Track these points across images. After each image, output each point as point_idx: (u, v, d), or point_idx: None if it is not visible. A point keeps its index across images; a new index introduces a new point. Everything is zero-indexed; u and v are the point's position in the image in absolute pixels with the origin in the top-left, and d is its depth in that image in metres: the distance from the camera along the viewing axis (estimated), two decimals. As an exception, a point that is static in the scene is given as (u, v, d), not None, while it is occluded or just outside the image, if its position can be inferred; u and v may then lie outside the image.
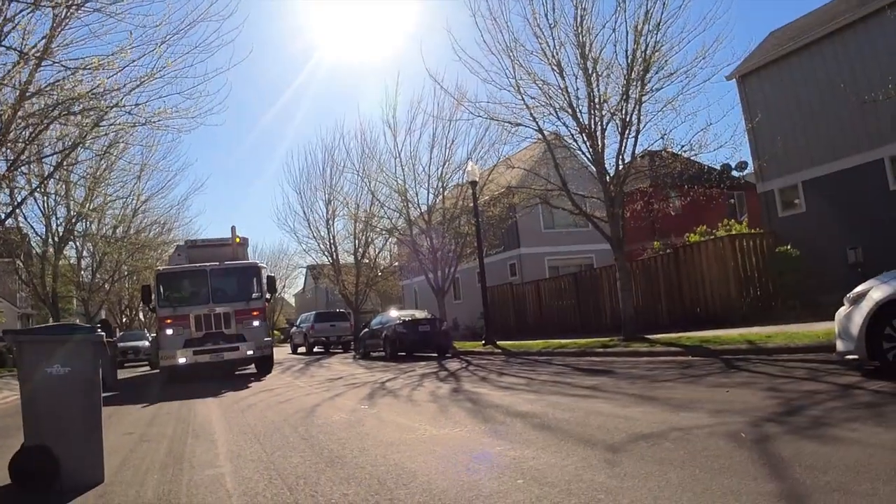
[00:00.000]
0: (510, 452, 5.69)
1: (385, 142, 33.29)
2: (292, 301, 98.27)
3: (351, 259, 38.56)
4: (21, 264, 28.37)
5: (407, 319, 23.09)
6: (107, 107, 14.11)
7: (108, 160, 21.94)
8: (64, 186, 24.09)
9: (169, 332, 17.20)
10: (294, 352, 39.29)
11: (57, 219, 27.52)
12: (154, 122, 15.06)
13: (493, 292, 25.99)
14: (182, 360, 16.98)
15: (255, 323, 17.96)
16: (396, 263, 38.16)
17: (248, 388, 14.30)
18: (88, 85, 13.56)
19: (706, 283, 20.21)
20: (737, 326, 17.68)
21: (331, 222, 37.72)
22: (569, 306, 26.34)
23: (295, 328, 40.00)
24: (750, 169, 24.89)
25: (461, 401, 9.42)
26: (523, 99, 17.44)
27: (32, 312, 45.27)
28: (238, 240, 20.26)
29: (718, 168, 21.53)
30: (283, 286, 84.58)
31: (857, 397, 6.98)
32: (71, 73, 13.47)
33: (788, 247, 19.14)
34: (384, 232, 33.05)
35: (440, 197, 27.62)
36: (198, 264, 18.22)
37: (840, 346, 8.26)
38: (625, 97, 16.19)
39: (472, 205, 26.14)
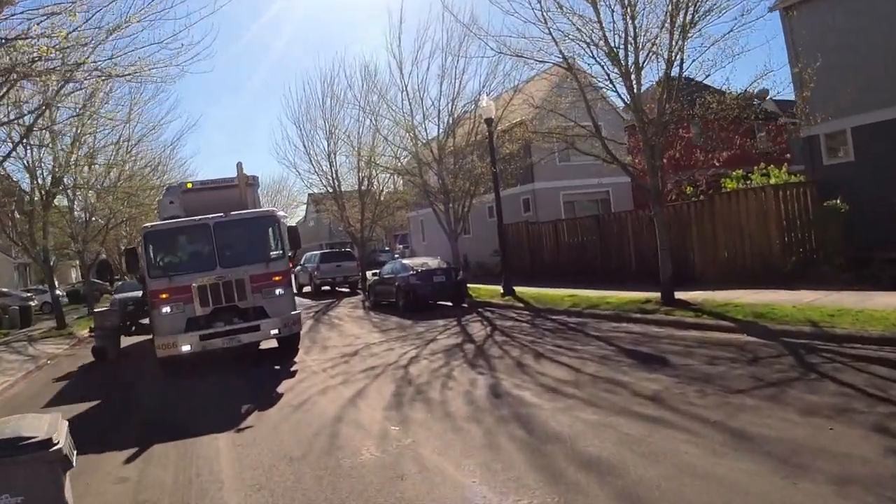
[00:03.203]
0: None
1: (390, 73, 31.04)
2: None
3: (355, 188, 36.87)
4: (10, 220, 26.71)
5: (421, 270, 21.72)
6: (74, 64, 12.24)
7: (89, 110, 19.60)
8: (49, 136, 22.13)
9: (165, 310, 13.42)
10: (299, 291, 38.18)
11: (43, 173, 25.71)
12: (127, 75, 13.16)
13: (507, 231, 24.50)
14: (186, 348, 13.26)
15: (279, 291, 14.09)
16: (400, 201, 36.32)
17: (276, 396, 10.81)
18: (45, 42, 11.58)
19: (744, 236, 18.70)
20: (780, 287, 16.40)
21: (332, 156, 35.84)
22: (591, 249, 24.87)
23: (300, 267, 38.78)
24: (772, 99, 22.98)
25: (509, 422, 8.06)
26: (551, 33, 15.54)
27: (28, 261, 43.85)
28: (247, 180, 16.31)
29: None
30: (286, 216, 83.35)
31: None
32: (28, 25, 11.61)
33: (837, 201, 17.50)
34: (390, 170, 31.28)
35: (451, 133, 25.75)
36: (197, 217, 14.09)
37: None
38: (668, 30, 14.31)
39: (482, 139, 24.57)
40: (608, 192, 34.47)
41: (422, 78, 25.64)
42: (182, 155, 54.61)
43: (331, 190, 36.52)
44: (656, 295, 16.58)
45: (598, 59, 15.07)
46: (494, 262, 32.33)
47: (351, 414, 9.30)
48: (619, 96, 15.72)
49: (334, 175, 35.92)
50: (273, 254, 14.40)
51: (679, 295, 15.95)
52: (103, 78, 13.48)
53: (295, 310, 14.65)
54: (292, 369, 13.34)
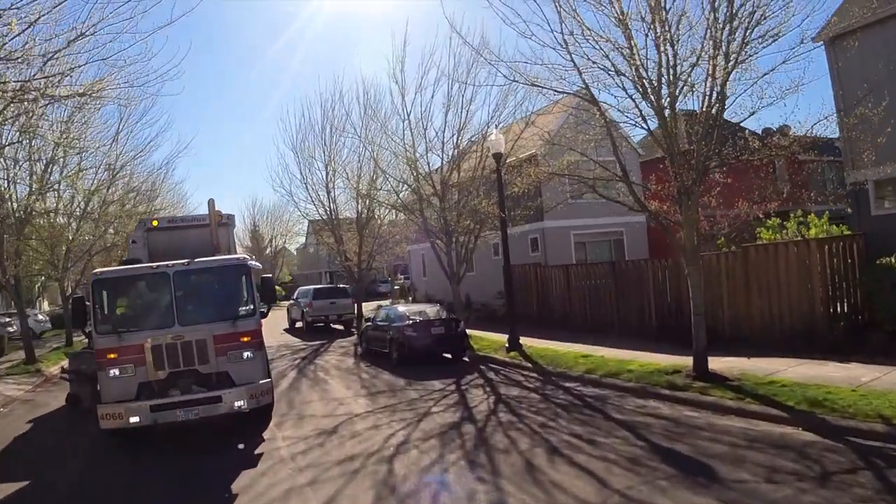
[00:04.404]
0: None
1: (392, 101, 29.15)
2: (294, 251, 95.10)
3: (354, 216, 34.99)
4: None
5: (417, 320, 19.57)
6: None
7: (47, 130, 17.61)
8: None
9: (113, 372, 11.35)
10: (291, 327, 36.23)
11: (15, 196, 23.67)
12: (69, 97, 11.21)
13: (514, 273, 22.33)
14: (134, 420, 11.10)
15: (248, 354, 11.96)
16: (400, 234, 34.29)
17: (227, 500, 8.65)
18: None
19: (783, 294, 16.54)
20: (826, 356, 14.30)
21: (331, 185, 33.98)
22: (605, 299, 22.72)
23: (292, 301, 36.87)
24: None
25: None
26: (573, 59, 13.53)
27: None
28: (219, 218, 14.33)
29: (760, 133, 17.66)
30: (285, 241, 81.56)
31: None
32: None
33: (893, 259, 15.36)
34: (388, 206, 29.29)
35: (455, 167, 23.68)
36: (155, 265, 12.18)
37: None
38: (713, 58, 12.28)
39: (489, 174, 22.58)
40: (622, 233, 32.39)
41: (426, 106, 23.68)
42: (173, 179, 51.44)
43: (327, 223, 34.72)
44: (684, 361, 14.51)
45: (627, 90, 13.03)
46: (499, 304, 30.28)
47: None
48: (651, 134, 13.58)
49: (332, 206, 34.11)
50: (242, 310, 12.22)
51: (711, 362, 13.80)
52: (42, 100, 11.49)
53: (267, 377, 12.48)
54: (257, 452, 11.07)
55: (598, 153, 16.76)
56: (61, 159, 23.22)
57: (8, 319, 38.30)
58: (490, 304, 31.64)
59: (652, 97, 12.89)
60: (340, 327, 33.63)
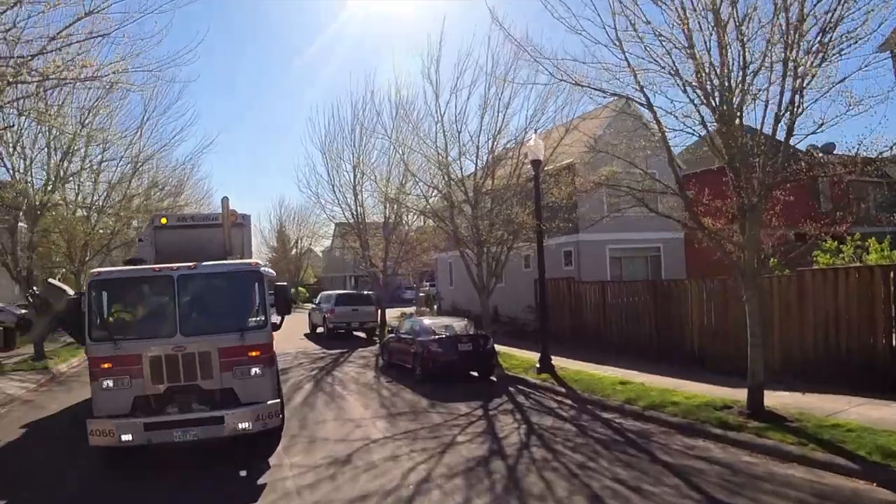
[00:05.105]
0: None
1: (425, 101, 27.95)
2: (320, 253, 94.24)
3: (380, 219, 33.99)
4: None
5: (444, 337, 18.34)
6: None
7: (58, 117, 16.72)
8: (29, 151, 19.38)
9: (107, 383, 10.28)
10: (312, 332, 35.31)
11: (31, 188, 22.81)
12: (74, 80, 10.24)
13: (546, 287, 20.92)
14: (126, 439, 9.94)
15: (256, 370, 10.76)
16: (428, 242, 33.08)
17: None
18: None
19: (841, 324, 15.09)
20: (889, 397, 12.90)
21: (358, 188, 32.97)
22: (643, 320, 21.36)
23: (314, 307, 35.89)
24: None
25: None
26: (626, 58, 12.28)
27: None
28: (233, 217, 13.29)
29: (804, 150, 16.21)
30: (311, 242, 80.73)
31: None
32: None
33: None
34: (417, 212, 28.14)
35: (490, 173, 22.43)
36: (158, 267, 11.10)
37: None
38: (787, 67, 10.96)
39: (525, 181, 21.34)
40: (659, 248, 31.00)
41: (460, 108, 22.43)
42: (196, 174, 49.18)
43: (355, 224, 33.73)
44: (734, 394, 13.36)
45: (689, 94, 11.72)
46: (528, 319, 29.02)
47: None
48: (712, 145, 12.19)
49: (359, 209, 33.11)
50: (252, 321, 11.01)
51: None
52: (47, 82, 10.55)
53: (276, 397, 11.25)
54: (260, 481, 9.89)
55: (647, 163, 15.47)
56: (82, 150, 22.38)
57: (23, 312, 37.67)
58: (519, 317, 30.38)
59: (715, 101, 11.58)
60: (362, 335, 32.60)
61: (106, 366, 10.38)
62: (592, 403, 14.94)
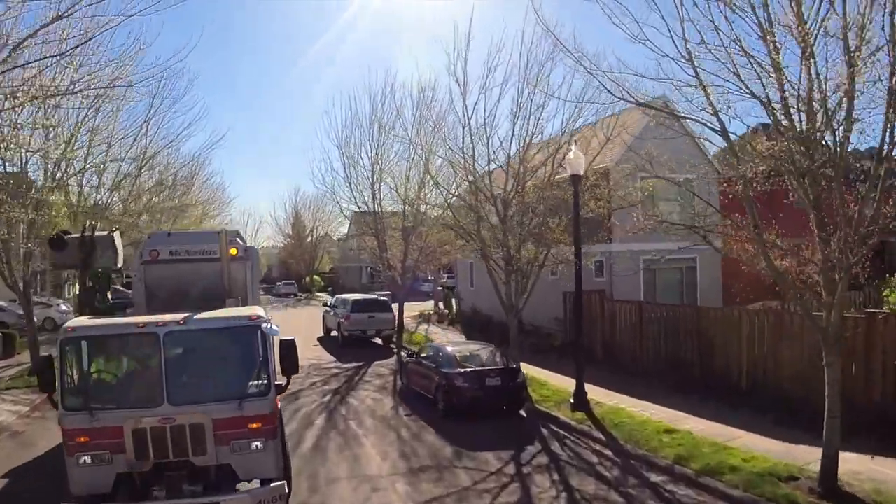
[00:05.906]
0: None
1: (451, 101, 26.20)
2: (336, 239, 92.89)
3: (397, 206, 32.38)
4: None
5: (470, 370, 16.69)
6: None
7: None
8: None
9: (84, 459, 8.74)
10: (327, 335, 33.92)
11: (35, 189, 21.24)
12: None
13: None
14: None
15: (257, 444, 9.11)
16: (449, 244, 31.37)
17: None
18: None
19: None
20: None
21: (376, 186, 31.42)
22: (686, 347, 19.68)
23: (329, 309, 34.41)
24: None
25: None
26: (698, 74, 10.53)
27: (39, 268, 39.69)
28: (233, 252, 11.56)
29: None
30: (327, 231, 79.41)
31: None
32: None
33: None
34: (440, 226, 26.56)
35: (522, 185, 20.58)
36: (141, 321, 9.35)
37: None
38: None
39: (555, 191, 19.68)
40: (695, 260, 29.07)
41: (490, 110, 20.48)
42: (205, 171, 46.51)
43: (373, 224, 32.26)
44: (795, 452, 12.24)
45: (776, 114, 9.93)
46: (555, 330, 27.41)
47: None
48: (802, 182, 10.30)
49: (377, 208, 31.61)
50: (253, 385, 9.36)
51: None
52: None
53: (281, 474, 9.49)
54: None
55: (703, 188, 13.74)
56: (84, 148, 20.87)
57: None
58: (543, 327, 28.72)
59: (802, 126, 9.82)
60: (379, 341, 31.13)
61: (82, 439, 8.78)
62: (637, 459, 13.31)
